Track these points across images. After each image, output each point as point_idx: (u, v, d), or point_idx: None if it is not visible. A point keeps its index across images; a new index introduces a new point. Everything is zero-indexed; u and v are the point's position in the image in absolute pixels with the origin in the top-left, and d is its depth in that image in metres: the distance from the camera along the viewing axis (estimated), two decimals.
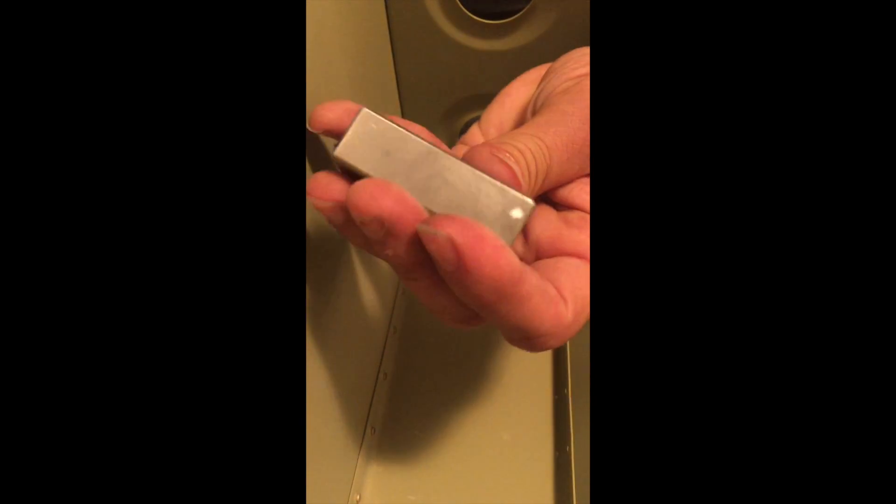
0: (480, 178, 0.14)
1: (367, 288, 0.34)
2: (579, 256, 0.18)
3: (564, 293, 0.16)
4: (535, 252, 0.19)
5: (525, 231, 0.19)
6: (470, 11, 0.33)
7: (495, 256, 0.14)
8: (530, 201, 0.14)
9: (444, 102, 0.38)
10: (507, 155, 0.16)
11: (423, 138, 0.15)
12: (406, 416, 0.36)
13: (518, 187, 0.16)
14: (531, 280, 0.15)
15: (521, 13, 0.32)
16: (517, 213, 0.14)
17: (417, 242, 0.15)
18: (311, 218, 0.23)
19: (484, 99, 0.37)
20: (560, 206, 0.20)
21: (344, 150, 0.15)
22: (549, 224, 0.19)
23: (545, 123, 0.18)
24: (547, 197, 0.20)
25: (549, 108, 0.19)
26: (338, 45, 0.26)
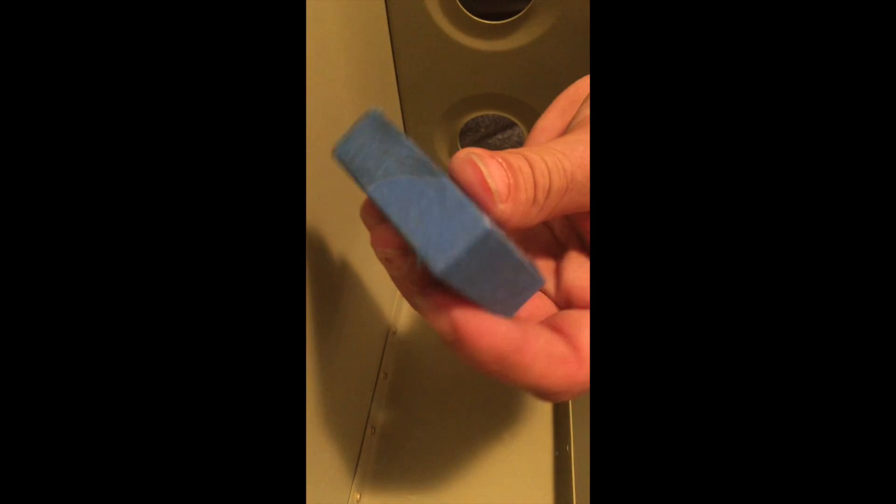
0: (459, 205, 0.13)
1: (368, 289, 0.34)
2: None
3: (582, 351, 0.16)
4: (564, 298, 0.19)
5: (557, 277, 0.19)
6: (470, 12, 0.33)
7: (492, 329, 0.14)
8: (485, 225, 0.13)
9: (444, 102, 0.38)
10: (499, 161, 0.15)
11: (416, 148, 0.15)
12: (406, 416, 0.36)
13: (487, 193, 0.14)
14: (534, 346, 0.15)
15: (520, 13, 0.32)
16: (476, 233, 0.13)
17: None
18: (312, 219, 0.23)
19: (484, 99, 0.38)
20: None
21: (342, 149, 0.16)
22: (581, 272, 0.19)
23: (574, 142, 0.17)
24: (583, 240, 0.20)
25: (583, 128, 0.18)
26: (338, 45, 0.26)
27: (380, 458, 0.34)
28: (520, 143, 0.45)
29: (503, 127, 0.47)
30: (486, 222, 0.13)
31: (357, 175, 0.15)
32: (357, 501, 0.32)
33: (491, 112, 0.39)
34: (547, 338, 0.16)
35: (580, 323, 0.17)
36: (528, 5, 0.32)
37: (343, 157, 0.16)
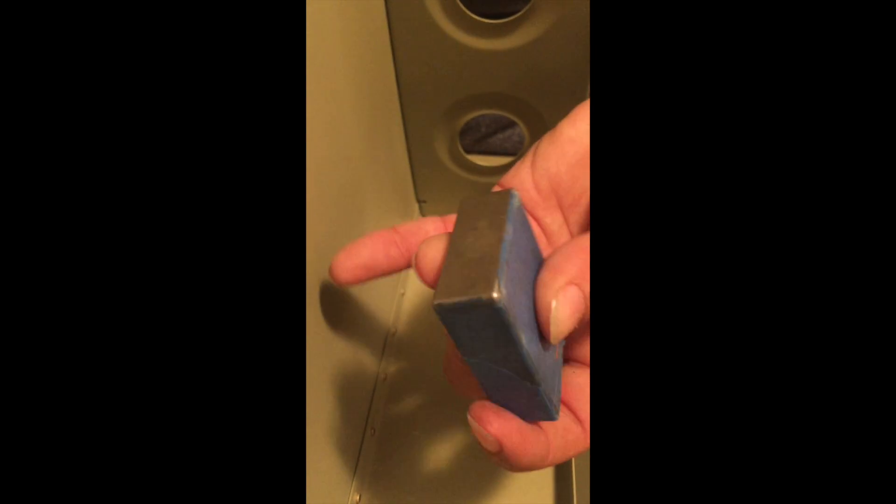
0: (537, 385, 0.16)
1: (368, 290, 0.34)
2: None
3: (587, 423, 0.19)
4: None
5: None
6: (470, 11, 0.33)
7: (532, 450, 0.17)
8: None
9: (445, 102, 0.38)
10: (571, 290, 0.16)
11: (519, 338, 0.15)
12: (406, 418, 0.36)
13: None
14: (554, 444, 0.18)
15: (521, 12, 0.32)
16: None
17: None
18: (312, 220, 0.23)
19: (484, 98, 0.37)
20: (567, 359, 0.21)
21: (441, 308, 0.15)
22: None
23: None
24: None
25: None
26: (338, 45, 0.26)
27: (379, 458, 0.34)
28: (520, 143, 0.45)
29: (503, 126, 0.47)
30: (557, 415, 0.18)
31: (461, 341, 0.16)
32: (356, 502, 0.32)
33: (491, 111, 0.39)
34: (561, 427, 0.18)
35: (583, 390, 0.19)
36: (529, 4, 0.32)
37: (446, 319, 0.15)
